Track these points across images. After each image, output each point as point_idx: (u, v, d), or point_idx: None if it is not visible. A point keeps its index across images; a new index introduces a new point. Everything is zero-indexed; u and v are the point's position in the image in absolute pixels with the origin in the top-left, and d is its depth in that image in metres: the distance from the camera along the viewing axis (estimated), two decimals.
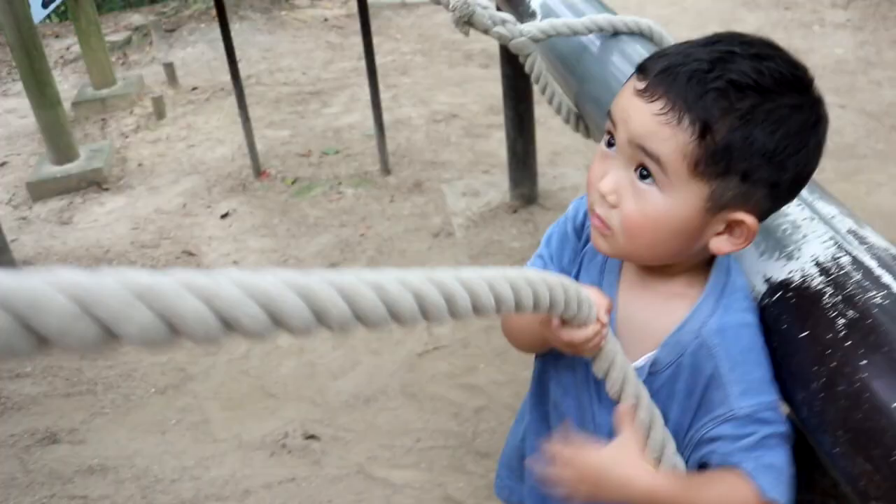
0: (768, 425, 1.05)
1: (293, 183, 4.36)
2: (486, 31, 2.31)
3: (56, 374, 3.09)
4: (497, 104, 4.98)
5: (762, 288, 1.16)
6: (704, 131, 0.94)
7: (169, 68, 5.88)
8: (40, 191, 4.50)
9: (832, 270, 1.08)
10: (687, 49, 1.00)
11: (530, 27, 2.22)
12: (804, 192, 1.26)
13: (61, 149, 4.57)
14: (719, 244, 1.04)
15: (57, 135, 4.54)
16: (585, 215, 1.21)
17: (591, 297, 1.03)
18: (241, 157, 4.65)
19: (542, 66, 2.32)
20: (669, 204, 0.99)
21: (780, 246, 1.17)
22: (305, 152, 4.70)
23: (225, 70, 5.72)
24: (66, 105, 5.03)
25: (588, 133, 2.37)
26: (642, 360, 1.14)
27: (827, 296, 1.06)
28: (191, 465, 2.65)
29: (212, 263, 3.73)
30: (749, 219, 1.01)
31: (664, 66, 0.98)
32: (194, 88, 5.78)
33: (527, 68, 2.34)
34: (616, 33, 2.15)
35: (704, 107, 0.93)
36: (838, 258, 1.10)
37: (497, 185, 4.09)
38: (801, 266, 1.12)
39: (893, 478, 0.88)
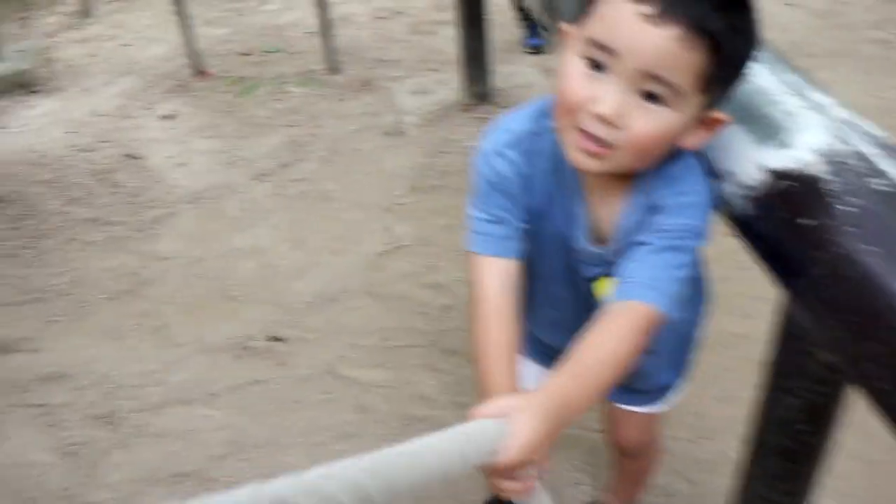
0: (678, 238, 1.14)
1: (237, 82, 4.19)
2: None
3: (4, 284, 2.96)
4: (443, 1, 4.86)
5: (758, 175, 1.14)
6: (715, 49, 0.97)
7: None
8: None
9: (830, 158, 1.07)
10: None
11: None
12: (796, 81, 1.24)
13: None
14: (692, 141, 1.10)
15: None
16: (510, 162, 1.20)
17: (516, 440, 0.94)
18: (178, 57, 4.45)
19: None
20: (677, 118, 1.02)
21: (774, 134, 1.15)
22: (247, 51, 4.52)
23: None
24: None
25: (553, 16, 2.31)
26: (611, 244, 1.22)
27: (826, 183, 1.04)
28: (154, 370, 2.59)
29: (156, 167, 3.59)
30: (723, 115, 1.08)
31: None
32: None
33: None
34: None
35: (713, 25, 0.96)
36: (835, 146, 1.08)
37: (447, 84, 4.00)
38: (798, 154, 1.10)
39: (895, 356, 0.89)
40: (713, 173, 1.19)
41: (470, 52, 3.77)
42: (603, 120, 1.01)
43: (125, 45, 4.70)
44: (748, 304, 2.66)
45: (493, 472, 0.93)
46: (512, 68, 4.13)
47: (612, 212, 1.21)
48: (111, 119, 3.98)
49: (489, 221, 1.23)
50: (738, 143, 1.21)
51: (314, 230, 3.13)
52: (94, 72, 4.45)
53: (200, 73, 4.26)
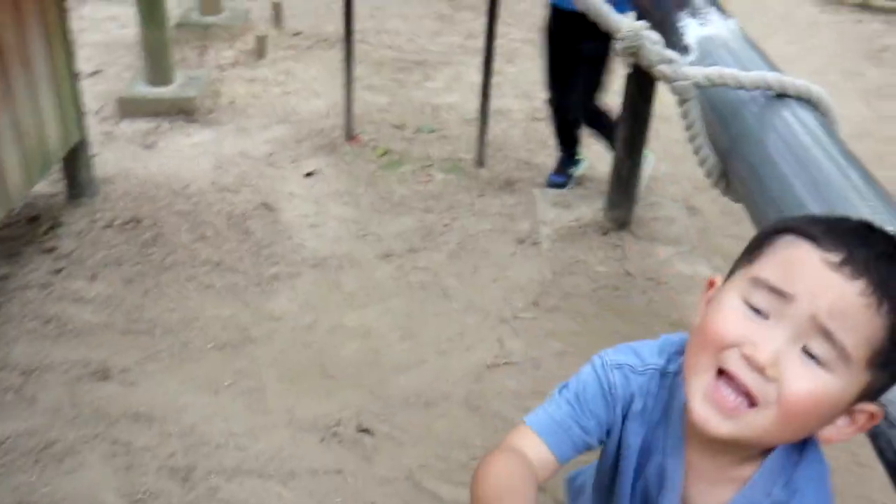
0: None
1: (384, 154, 4.23)
2: (648, 67, 2.16)
3: (117, 307, 3.01)
4: None
5: None
6: (894, 321, 0.87)
7: (277, 7, 5.78)
8: (130, 109, 4.42)
9: None
10: (849, 225, 0.94)
11: (696, 72, 2.06)
12: None
13: (159, 70, 4.49)
14: (832, 432, 0.96)
15: (158, 56, 4.46)
16: (626, 384, 1.10)
17: None
18: (334, 116, 4.53)
19: (698, 113, 2.16)
20: (836, 388, 0.89)
21: None
22: (400, 124, 4.57)
23: (330, 19, 5.64)
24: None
25: (727, 190, 2.21)
26: None
27: None
28: (238, 433, 2.55)
29: (289, 221, 3.62)
30: (877, 409, 0.94)
31: (851, 241, 0.89)
32: (298, 33, 5.67)
33: (681, 112, 2.18)
34: (781, 94, 1.99)
35: None
36: None
37: (590, 201, 3.92)
38: None
39: None
40: None
41: (620, 176, 3.69)
42: (756, 366, 0.89)
43: (287, 93, 4.83)
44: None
45: None
46: (654, 198, 4.02)
47: (714, 495, 1.07)
48: (257, 164, 4.06)
49: (571, 416, 1.12)
50: None
51: (427, 325, 3.06)
52: (253, 113, 4.58)
53: (352, 137, 4.31)
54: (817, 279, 0.88)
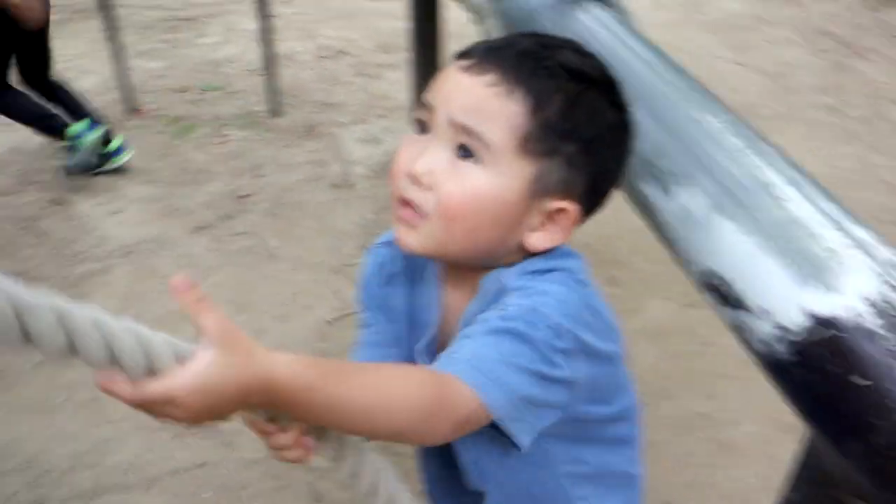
0: (523, 322, 0.90)
1: (173, 122, 3.99)
2: None
3: None
4: (389, 42, 4.77)
5: (802, 321, 1.06)
6: (535, 106, 0.91)
7: None
8: None
9: (886, 311, 0.99)
10: (510, 38, 1.01)
11: None
12: (836, 213, 1.17)
13: None
14: (536, 239, 0.98)
15: None
16: (376, 260, 1.15)
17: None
18: (109, 91, 4.22)
19: (497, 30, 2.15)
20: (493, 181, 0.93)
21: (817, 274, 1.07)
22: (183, 87, 4.32)
23: None
24: None
25: None
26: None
27: (885, 341, 0.97)
28: (86, 451, 2.39)
29: (86, 214, 3.37)
30: (571, 206, 0.97)
31: (491, 46, 0.96)
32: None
33: (483, 31, 2.16)
34: None
35: (537, 82, 0.92)
36: (888, 295, 1.01)
37: (396, 132, 3.89)
38: (847, 302, 1.01)
39: None
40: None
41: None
42: (416, 180, 0.93)
43: None
44: (711, 382, 2.61)
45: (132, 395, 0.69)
46: None
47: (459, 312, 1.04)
48: (36, 158, 3.73)
49: (373, 330, 1.16)
50: (774, 279, 1.12)
51: (258, 292, 2.96)
52: None
53: (135, 110, 4.04)
54: (451, 84, 0.93)
